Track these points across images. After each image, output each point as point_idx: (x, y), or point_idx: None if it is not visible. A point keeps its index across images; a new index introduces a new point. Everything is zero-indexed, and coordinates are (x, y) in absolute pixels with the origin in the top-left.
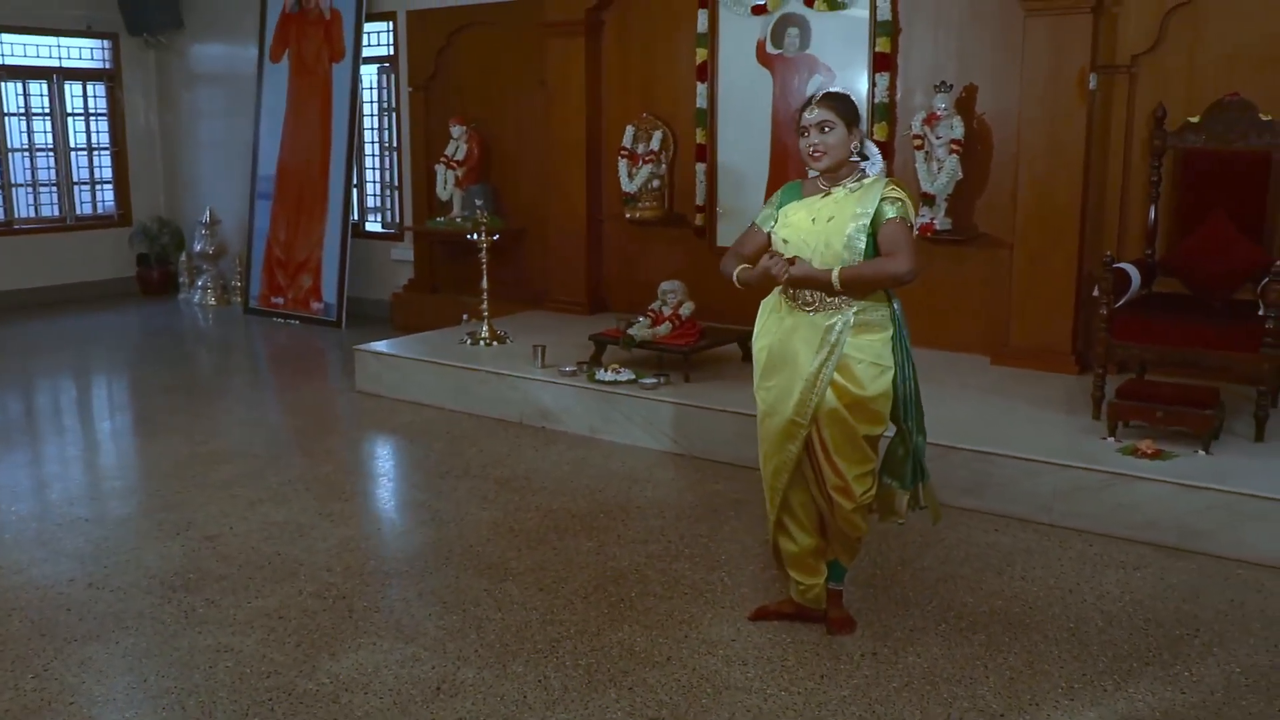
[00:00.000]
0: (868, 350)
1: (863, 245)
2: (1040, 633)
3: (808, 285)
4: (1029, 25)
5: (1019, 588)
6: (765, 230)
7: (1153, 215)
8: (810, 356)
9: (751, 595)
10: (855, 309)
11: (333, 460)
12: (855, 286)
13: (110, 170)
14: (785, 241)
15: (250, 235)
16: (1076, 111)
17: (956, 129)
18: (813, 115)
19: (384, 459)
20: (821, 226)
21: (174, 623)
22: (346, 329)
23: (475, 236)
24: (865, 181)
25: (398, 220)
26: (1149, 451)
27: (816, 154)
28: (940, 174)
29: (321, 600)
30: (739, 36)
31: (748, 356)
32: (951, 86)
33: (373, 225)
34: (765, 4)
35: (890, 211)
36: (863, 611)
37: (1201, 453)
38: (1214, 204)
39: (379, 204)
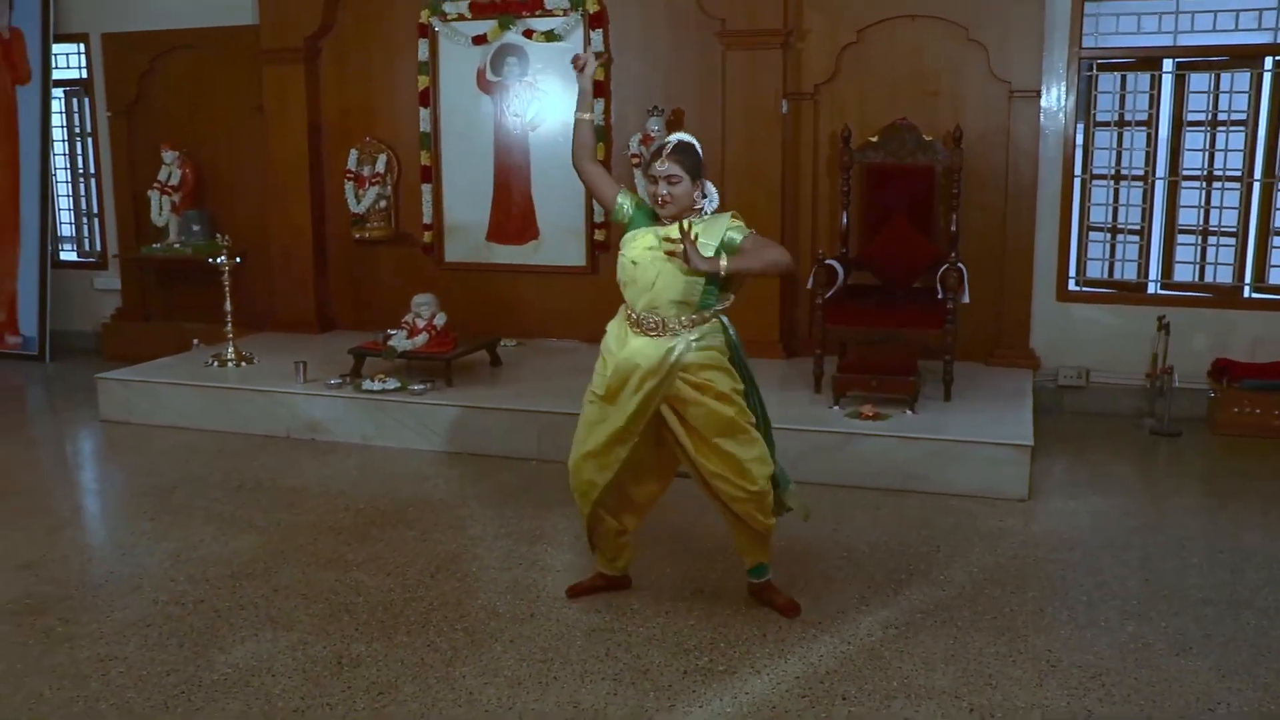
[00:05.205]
0: (711, 358)
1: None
2: (824, 562)
3: (702, 268)
4: (728, 58)
5: (794, 531)
6: (618, 198)
7: (845, 219)
8: (648, 376)
9: (577, 561)
10: (695, 336)
11: (116, 485)
12: (742, 275)
13: None
14: (634, 264)
15: None
16: (772, 132)
17: None
18: (662, 168)
19: (169, 479)
20: (665, 258)
21: (38, 643)
22: (52, 362)
23: (219, 260)
24: (706, 217)
25: (100, 249)
26: (869, 414)
27: (664, 204)
28: None
29: (181, 606)
30: (460, 64)
31: (496, 361)
32: (663, 110)
33: (68, 254)
34: (485, 34)
35: (739, 236)
36: (674, 560)
37: (909, 412)
38: (894, 209)
39: (74, 233)
